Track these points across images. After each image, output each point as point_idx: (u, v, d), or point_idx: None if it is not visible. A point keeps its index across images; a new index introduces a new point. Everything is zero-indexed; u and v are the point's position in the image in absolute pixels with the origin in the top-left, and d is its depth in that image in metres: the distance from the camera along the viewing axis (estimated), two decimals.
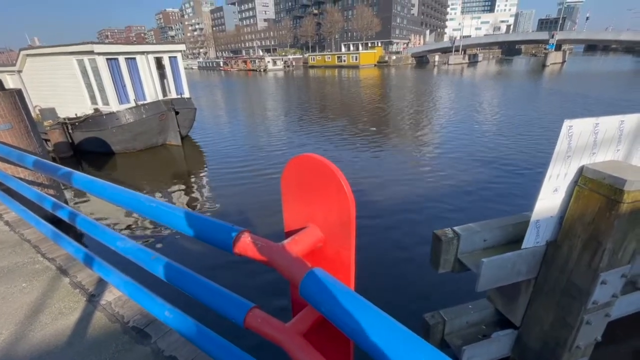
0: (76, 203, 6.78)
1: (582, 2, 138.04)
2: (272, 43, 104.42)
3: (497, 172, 7.52)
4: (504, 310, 2.67)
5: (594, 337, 2.25)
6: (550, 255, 2.19)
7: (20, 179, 3.90)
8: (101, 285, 2.16)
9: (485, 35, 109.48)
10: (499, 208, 5.82)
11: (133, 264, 1.57)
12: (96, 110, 9.85)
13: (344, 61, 63.96)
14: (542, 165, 7.53)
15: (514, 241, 2.31)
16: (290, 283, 1.10)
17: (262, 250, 0.90)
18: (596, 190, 1.86)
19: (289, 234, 1.00)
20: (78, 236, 4.82)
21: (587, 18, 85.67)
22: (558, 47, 53.86)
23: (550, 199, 2.01)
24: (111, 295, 2.05)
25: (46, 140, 9.47)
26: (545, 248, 2.20)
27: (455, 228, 2.28)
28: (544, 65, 46.64)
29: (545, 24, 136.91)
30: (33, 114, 8.91)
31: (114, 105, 9.67)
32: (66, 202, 5.89)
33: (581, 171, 1.94)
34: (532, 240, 2.14)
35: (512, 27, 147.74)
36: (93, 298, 2.04)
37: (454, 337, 2.66)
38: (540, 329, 2.38)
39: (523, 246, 2.15)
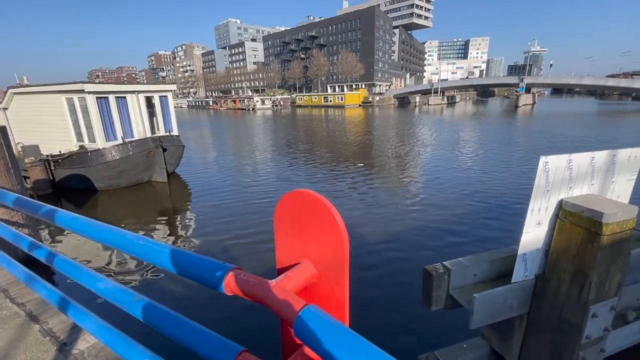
0: (51, 243, 6.44)
1: (545, 51, 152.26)
2: (261, 84, 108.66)
3: (481, 205, 7.68)
4: (499, 349, 2.59)
5: None
6: (540, 289, 2.19)
7: None
8: (75, 332, 2.00)
9: (461, 78, 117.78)
10: (486, 240, 5.86)
11: (112, 308, 1.48)
12: (81, 147, 9.75)
13: (330, 101, 66.73)
14: (523, 198, 7.76)
15: (504, 275, 2.32)
16: (281, 322, 1.06)
17: (255, 287, 0.88)
18: (577, 223, 1.93)
19: (282, 270, 0.99)
20: (52, 279, 4.52)
21: (551, 65, 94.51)
22: (528, 90, 58.41)
23: (534, 232, 2.06)
24: (85, 343, 1.90)
25: (26, 178, 9.19)
26: (535, 282, 2.21)
27: (445, 263, 2.27)
28: (516, 106, 50.07)
29: (514, 70, 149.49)
30: (15, 151, 8.72)
31: (101, 142, 9.61)
32: (41, 242, 5.59)
33: (561, 205, 2.02)
34: (521, 274, 2.15)
35: (484, 72, 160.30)
36: (65, 347, 1.88)
37: None
38: None
39: (513, 280, 2.15)
